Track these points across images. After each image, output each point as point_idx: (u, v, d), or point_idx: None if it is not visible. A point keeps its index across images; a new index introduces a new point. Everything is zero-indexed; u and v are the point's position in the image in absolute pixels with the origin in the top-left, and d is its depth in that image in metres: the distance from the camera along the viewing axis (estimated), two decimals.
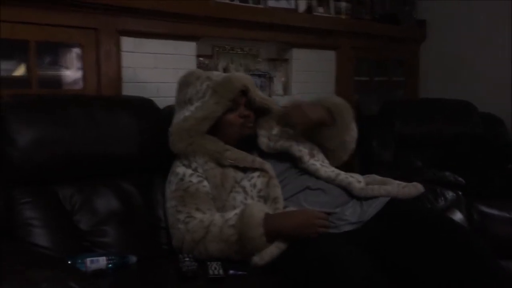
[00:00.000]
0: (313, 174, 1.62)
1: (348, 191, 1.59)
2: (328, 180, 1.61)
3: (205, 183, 1.58)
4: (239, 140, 1.66)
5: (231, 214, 1.47)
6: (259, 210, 1.45)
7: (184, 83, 1.71)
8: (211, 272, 1.32)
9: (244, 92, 1.66)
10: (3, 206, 1.46)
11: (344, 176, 1.62)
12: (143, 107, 1.80)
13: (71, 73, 2.02)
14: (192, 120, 1.60)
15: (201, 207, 1.53)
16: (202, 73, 1.73)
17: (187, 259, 1.37)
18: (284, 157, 1.67)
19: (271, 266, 1.40)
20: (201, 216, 1.50)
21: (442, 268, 1.30)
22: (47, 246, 1.43)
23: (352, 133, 1.76)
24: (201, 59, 2.40)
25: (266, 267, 1.41)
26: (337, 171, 1.65)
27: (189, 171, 1.60)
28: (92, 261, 1.37)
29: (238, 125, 1.65)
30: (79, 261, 1.36)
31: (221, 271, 1.32)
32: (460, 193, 2.05)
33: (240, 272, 1.36)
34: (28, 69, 1.89)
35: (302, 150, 1.66)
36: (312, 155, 1.67)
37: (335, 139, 1.71)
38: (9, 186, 1.49)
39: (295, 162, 1.66)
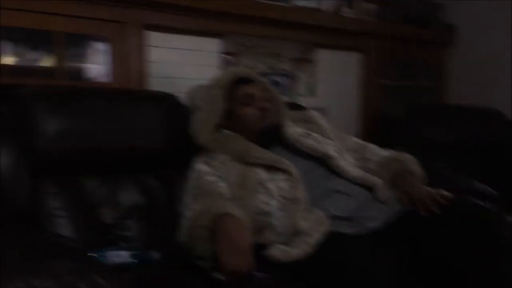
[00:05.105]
0: (342, 175, 1.58)
1: (372, 191, 1.55)
2: (361, 181, 1.57)
3: (221, 183, 1.53)
4: (261, 133, 1.62)
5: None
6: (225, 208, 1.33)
7: (188, 99, 1.78)
8: None
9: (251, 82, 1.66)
10: (28, 195, 1.44)
11: (376, 178, 1.60)
12: (168, 102, 1.77)
13: (98, 66, 2.01)
14: (203, 118, 1.62)
15: None
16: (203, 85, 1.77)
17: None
18: (309, 154, 1.62)
19: (296, 270, 1.35)
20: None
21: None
22: (70, 237, 1.42)
23: None
24: (226, 56, 2.38)
25: (291, 271, 1.35)
26: (367, 173, 1.63)
27: (207, 169, 1.57)
28: (115, 255, 1.34)
29: (256, 118, 1.62)
30: (102, 254, 1.33)
31: None
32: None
33: (265, 274, 1.32)
34: (55, 60, 1.88)
35: (332, 150, 1.62)
36: (342, 156, 1.64)
37: None
38: (33, 176, 1.47)
39: (321, 161, 1.61)
